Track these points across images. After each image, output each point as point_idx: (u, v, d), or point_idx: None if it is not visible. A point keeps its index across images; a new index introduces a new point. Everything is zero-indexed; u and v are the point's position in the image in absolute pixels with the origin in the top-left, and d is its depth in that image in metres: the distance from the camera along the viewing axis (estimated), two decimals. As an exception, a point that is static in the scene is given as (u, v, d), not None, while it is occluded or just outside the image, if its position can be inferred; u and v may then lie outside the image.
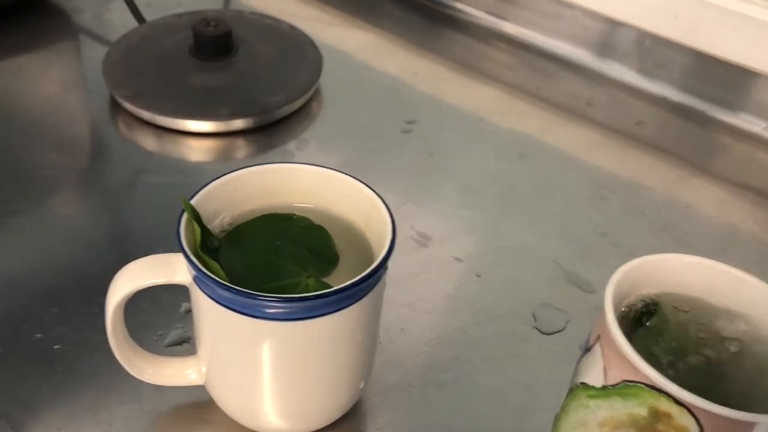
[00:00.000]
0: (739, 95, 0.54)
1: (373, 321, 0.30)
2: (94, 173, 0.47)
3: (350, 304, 0.27)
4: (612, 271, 0.27)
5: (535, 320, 0.39)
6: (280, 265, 0.30)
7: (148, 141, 0.50)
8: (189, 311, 0.37)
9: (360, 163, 0.49)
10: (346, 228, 0.31)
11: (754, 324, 0.27)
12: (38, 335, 0.36)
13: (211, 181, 0.30)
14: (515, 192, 0.47)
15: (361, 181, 0.31)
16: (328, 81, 0.55)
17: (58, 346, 0.35)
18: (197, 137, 0.50)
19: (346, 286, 0.26)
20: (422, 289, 0.40)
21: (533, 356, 0.37)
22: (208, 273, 0.26)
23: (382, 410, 0.34)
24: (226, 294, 0.26)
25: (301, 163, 0.31)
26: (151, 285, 0.28)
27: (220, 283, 0.26)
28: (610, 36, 0.57)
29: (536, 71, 0.59)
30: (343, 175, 0.31)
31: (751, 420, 0.23)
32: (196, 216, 0.28)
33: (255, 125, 0.50)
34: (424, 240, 0.43)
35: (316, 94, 0.54)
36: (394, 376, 0.35)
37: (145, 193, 0.46)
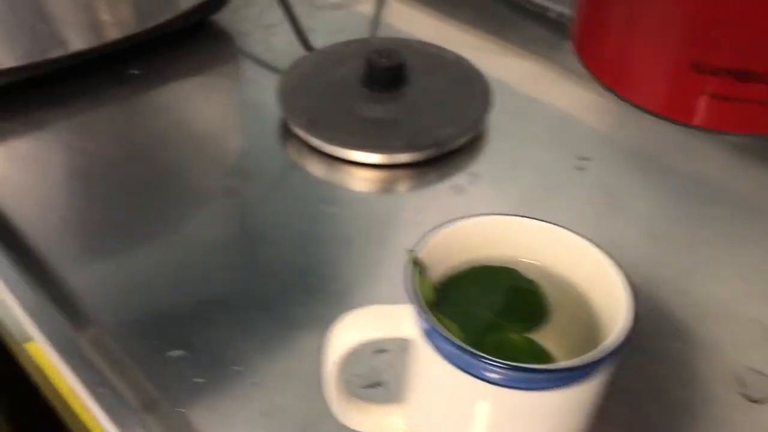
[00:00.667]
0: None
1: (598, 398, 0.28)
2: (265, 198, 0.48)
3: (581, 381, 0.26)
4: None
5: (742, 386, 0.36)
6: (488, 319, 0.29)
7: (317, 168, 0.50)
8: (378, 352, 0.36)
9: (532, 201, 0.47)
10: (563, 286, 0.30)
11: None
12: (236, 368, 0.36)
13: (432, 231, 0.29)
14: (706, 240, 0.44)
15: (589, 240, 0.29)
16: (494, 113, 0.53)
17: (256, 381, 0.35)
18: (364, 167, 0.50)
19: (582, 364, 0.25)
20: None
21: (741, 426, 0.34)
22: (444, 331, 0.25)
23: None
24: (457, 352, 0.25)
25: (522, 216, 0.30)
26: (377, 339, 0.27)
27: (453, 341, 0.25)
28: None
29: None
30: (568, 231, 0.29)
31: None
32: (423, 269, 0.27)
33: (423, 158, 0.49)
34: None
35: (483, 126, 0.53)
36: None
37: (317, 222, 0.46)
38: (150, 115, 0.54)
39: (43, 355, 0.38)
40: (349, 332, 0.27)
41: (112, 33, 0.56)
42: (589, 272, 0.29)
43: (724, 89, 0.34)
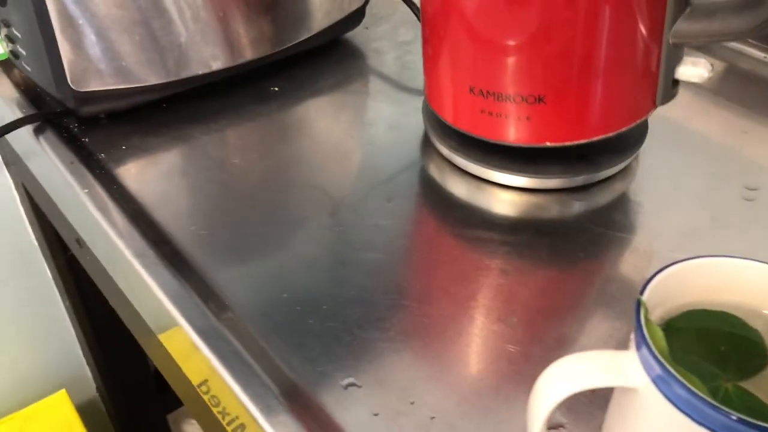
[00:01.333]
0: None
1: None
2: (400, 212, 0.47)
3: None
4: None
5: None
6: (703, 366, 0.27)
7: (458, 188, 0.48)
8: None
9: (697, 236, 0.44)
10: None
11: None
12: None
13: (656, 274, 0.27)
14: None
15: None
16: (648, 139, 0.51)
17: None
18: (509, 190, 0.48)
19: None
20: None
21: None
22: (681, 379, 0.23)
23: None
24: (693, 401, 0.23)
25: (746, 259, 0.28)
26: (595, 387, 0.25)
27: (690, 389, 0.23)
28: None
29: None
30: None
31: None
32: (647, 314, 0.25)
33: (573, 185, 0.47)
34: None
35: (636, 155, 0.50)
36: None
37: (459, 244, 0.44)
38: (288, 131, 0.54)
39: (187, 339, 0.39)
40: (566, 381, 0.26)
41: (252, 52, 0.56)
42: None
43: (492, 107, 0.44)
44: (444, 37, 0.45)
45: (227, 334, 0.38)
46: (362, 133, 0.54)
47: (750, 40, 0.61)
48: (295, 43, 0.58)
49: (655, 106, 0.46)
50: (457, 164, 0.49)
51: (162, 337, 0.45)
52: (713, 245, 0.43)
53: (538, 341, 0.38)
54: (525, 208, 0.47)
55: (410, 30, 0.62)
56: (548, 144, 0.45)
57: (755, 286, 0.27)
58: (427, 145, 0.51)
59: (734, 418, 0.22)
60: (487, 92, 0.44)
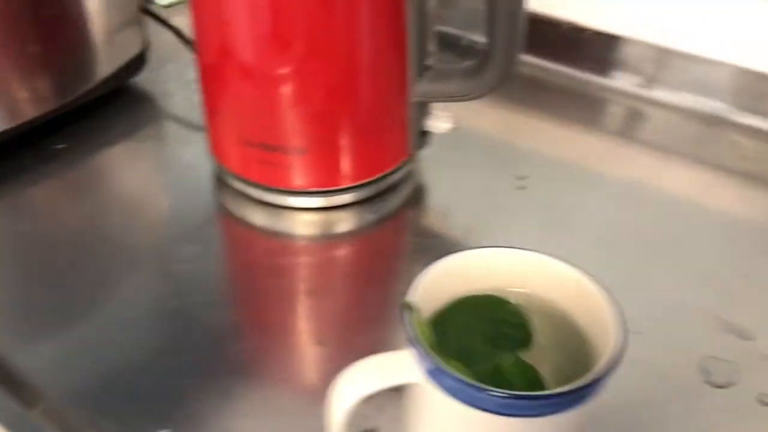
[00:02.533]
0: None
1: (590, 422, 0.29)
2: (200, 252, 0.47)
3: (586, 401, 0.27)
4: (763, 315, 0.27)
5: (705, 374, 0.38)
6: (479, 347, 0.30)
7: (258, 218, 0.50)
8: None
9: (478, 225, 0.49)
10: (548, 311, 0.31)
11: None
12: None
13: (424, 273, 0.30)
14: (645, 240, 0.47)
15: (576, 267, 0.31)
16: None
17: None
18: (304, 212, 0.50)
19: (586, 383, 0.26)
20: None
21: (711, 412, 0.37)
22: (447, 368, 0.26)
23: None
24: (462, 388, 0.26)
25: (503, 247, 0.31)
26: (380, 389, 0.28)
27: (458, 377, 0.26)
28: (706, 75, 0.58)
29: (636, 117, 0.59)
30: (550, 258, 0.31)
31: None
32: (418, 312, 0.28)
33: (365, 196, 0.50)
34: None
35: (416, 158, 0.54)
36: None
37: (257, 271, 0.46)
38: (81, 188, 0.53)
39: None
40: (353, 387, 0.28)
41: (32, 110, 0.54)
42: (574, 296, 0.30)
43: (259, 156, 0.47)
44: (213, 92, 0.48)
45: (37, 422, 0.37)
46: (157, 179, 0.54)
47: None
48: (76, 96, 0.57)
49: (408, 154, 0.50)
50: (252, 195, 0.50)
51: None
52: (494, 233, 0.48)
53: (356, 354, 0.40)
54: (324, 226, 0.49)
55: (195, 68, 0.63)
56: (313, 189, 0.48)
57: (504, 269, 0.31)
58: (220, 181, 0.52)
59: (500, 395, 0.25)
60: (254, 143, 0.47)
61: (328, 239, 0.49)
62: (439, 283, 0.30)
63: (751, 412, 0.37)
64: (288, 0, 0.42)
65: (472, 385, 0.26)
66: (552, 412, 0.26)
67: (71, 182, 0.53)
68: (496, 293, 0.32)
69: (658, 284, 0.44)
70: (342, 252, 0.48)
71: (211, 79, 0.48)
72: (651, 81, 0.61)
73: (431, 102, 0.49)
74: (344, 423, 0.28)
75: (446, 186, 0.53)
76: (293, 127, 0.45)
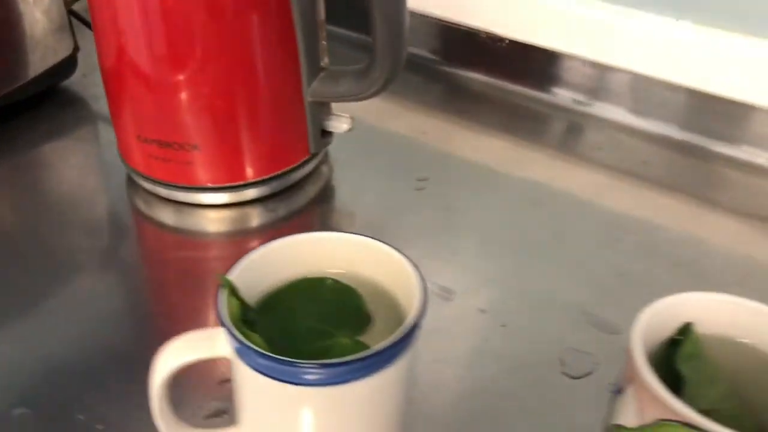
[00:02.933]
0: (738, 128, 0.55)
1: (408, 382, 0.31)
2: (119, 252, 0.49)
3: (386, 366, 0.28)
4: (631, 311, 0.28)
5: (563, 365, 0.39)
6: (314, 327, 0.31)
7: (165, 215, 0.51)
8: (224, 382, 0.37)
9: (375, 222, 0.50)
10: (377, 290, 0.32)
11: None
12: (81, 416, 0.36)
13: (246, 256, 0.31)
14: (532, 239, 0.48)
15: (389, 245, 0.32)
16: (336, 146, 0.57)
17: (101, 427, 0.36)
18: (215, 209, 0.51)
19: (381, 348, 0.27)
20: (450, 344, 0.41)
21: (565, 402, 0.38)
22: (249, 344, 0.27)
23: (422, 467, 0.34)
24: (266, 363, 0.27)
25: (331, 232, 0.33)
26: (194, 361, 0.29)
27: (260, 352, 0.27)
28: (603, 80, 0.60)
29: (538, 120, 0.61)
30: (372, 240, 0.32)
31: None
32: (234, 291, 0.29)
33: (270, 192, 0.52)
34: (447, 294, 0.44)
35: (325, 158, 0.56)
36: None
37: (171, 269, 0.47)
38: (4, 185, 0.54)
39: None
40: (168, 359, 0.29)
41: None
42: (394, 275, 0.32)
43: (156, 152, 0.49)
44: (113, 93, 0.50)
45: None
46: (78, 178, 0.56)
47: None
48: (4, 93, 0.58)
49: (309, 153, 0.52)
50: (160, 194, 0.52)
51: None
52: (386, 232, 0.49)
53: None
54: (233, 222, 0.51)
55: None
56: (215, 185, 0.50)
57: (350, 255, 0.33)
58: (131, 181, 0.54)
59: (298, 364, 0.26)
60: (149, 139, 0.48)
61: (238, 235, 0.51)
62: (265, 267, 0.32)
63: (605, 401, 0.37)
64: (176, 7, 0.43)
65: (272, 359, 0.27)
66: (351, 379, 0.27)
67: (-9, 178, 0.55)
68: (325, 275, 0.33)
69: (533, 279, 0.45)
70: (252, 247, 0.49)
71: (111, 81, 0.49)
72: (551, 84, 0.62)
73: (325, 101, 0.50)
74: (161, 391, 0.30)
75: (352, 186, 0.54)
76: (183, 124, 0.47)
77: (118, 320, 0.43)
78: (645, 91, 0.58)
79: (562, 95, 0.63)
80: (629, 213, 0.51)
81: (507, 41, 0.63)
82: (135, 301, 0.45)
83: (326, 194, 0.54)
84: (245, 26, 0.45)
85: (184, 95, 0.46)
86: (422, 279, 0.30)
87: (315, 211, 0.52)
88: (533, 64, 0.63)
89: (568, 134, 0.59)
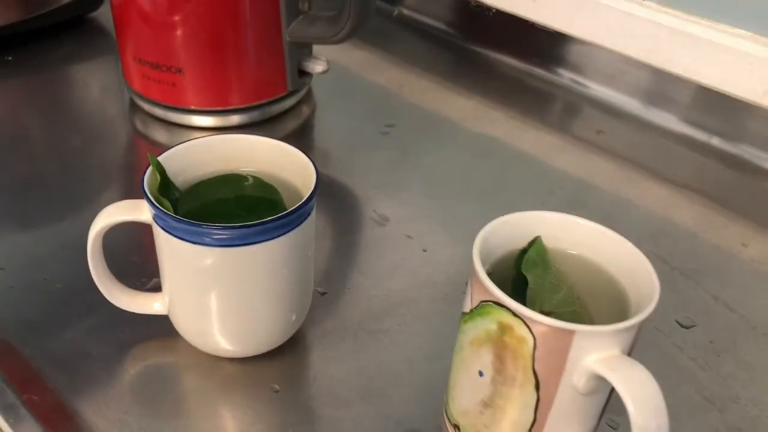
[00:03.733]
0: (686, 107, 0.59)
1: (303, 255, 0.36)
2: (117, 162, 0.56)
3: (282, 234, 0.33)
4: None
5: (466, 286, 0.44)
6: (233, 213, 0.37)
7: (161, 135, 0.58)
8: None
9: (340, 157, 0.56)
10: (289, 188, 0.38)
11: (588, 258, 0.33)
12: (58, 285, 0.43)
13: (177, 144, 0.37)
14: (472, 186, 0.53)
15: (298, 150, 0.37)
16: (321, 89, 0.62)
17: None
18: (202, 131, 0.57)
19: (278, 216, 0.33)
20: (374, 260, 0.46)
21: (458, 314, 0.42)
22: (162, 209, 0.33)
23: (319, 347, 0.40)
24: (177, 225, 0.33)
25: (252, 135, 0.38)
26: (121, 221, 0.35)
27: (173, 216, 0.33)
28: (582, 54, 0.63)
29: (508, 83, 0.65)
30: (286, 145, 0.38)
31: (569, 328, 0.28)
32: (160, 168, 0.35)
33: (251, 121, 0.58)
34: (382, 221, 0.49)
35: (309, 98, 0.61)
36: (333, 323, 0.41)
37: None
38: (18, 96, 0.62)
39: None
40: (102, 218, 0.35)
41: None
42: (301, 174, 0.37)
43: (149, 73, 0.55)
44: (119, 22, 0.56)
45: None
46: (88, 97, 0.63)
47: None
48: (36, 15, 0.66)
49: (287, 90, 0.57)
50: (155, 114, 0.58)
51: None
52: (345, 165, 0.54)
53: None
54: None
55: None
56: (194, 107, 0.56)
57: (267, 156, 0.38)
58: (132, 103, 0.60)
59: (204, 226, 0.32)
60: (143, 60, 0.55)
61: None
62: (194, 157, 0.38)
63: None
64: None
65: (182, 221, 0.33)
66: (252, 243, 0.33)
67: (13, 91, 0.62)
68: (245, 172, 0.39)
69: (462, 217, 0.50)
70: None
71: (117, 10, 0.56)
72: (527, 53, 0.66)
73: (304, 43, 0.56)
74: (95, 244, 0.36)
75: (327, 125, 0.60)
76: (172, 49, 0.53)
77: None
78: (608, 63, 0.62)
79: (535, 64, 0.66)
80: (569, 172, 0.55)
81: (494, 11, 0.67)
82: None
83: (304, 130, 0.59)
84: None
85: (174, 24, 0.52)
86: (317, 170, 0.35)
87: (292, 143, 0.57)
88: (514, 33, 0.67)
89: (535, 99, 0.63)
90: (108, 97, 0.63)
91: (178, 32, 0.52)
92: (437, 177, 0.54)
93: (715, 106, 0.57)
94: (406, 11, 0.75)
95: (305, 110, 0.61)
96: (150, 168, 0.35)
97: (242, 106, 0.56)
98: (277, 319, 0.37)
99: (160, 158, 0.36)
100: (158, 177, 0.35)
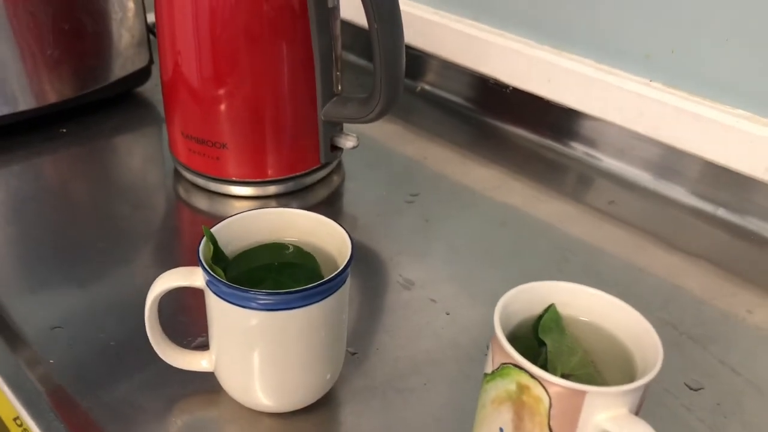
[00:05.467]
0: (694, 180, 0.62)
1: (338, 318, 0.40)
2: (161, 226, 0.60)
3: (320, 299, 0.37)
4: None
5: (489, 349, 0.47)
6: (277, 280, 0.41)
7: (201, 203, 0.62)
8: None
9: (368, 224, 0.60)
10: (324, 255, 0.42)
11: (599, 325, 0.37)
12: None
13: (228, 217, 0.41)
14: (492, 252, 0.57)
15: (336, 222, 0.41)
16: (350, 159, 0.67)
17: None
18: (240, 200, 0.62)
19: (317, 284, 0.36)
20: (401, 321, 0.49)
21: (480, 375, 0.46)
22: (215, 275, 0.37)
23: (350, 404, 0.43)
24: (228, 290, 0.37)
25: (294, 209, 0.43)
26: (178, 287, 0.39)
27: (224, 282, 0.37)
28: (594, 129, 0.68)
29: (525, 155, 0.69)
30: (324, 217, 0.42)
31: (581, 389, 0.31)
32: (212, 238, 0.40)
33: (286, 191, 0.62)
34: (408, 285, 0.53)
35: (339, 168, 0.66)
36: (364, 382, 0.45)
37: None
38: (75, 167, 0.67)
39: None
40: (159, 284, 0.39)
41: (54, 96, 0.69)
42: (337, 244, 0.41)
43: (194, 147, 0.61)
44: (168, 99, 0.62)
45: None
46: (136, 166, 0.68)
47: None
48: (89, 91, 0.72)
49: (320, 163, 0.63)
50: (199, 184, 0.63)
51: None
52: (372, 231, 0.58)
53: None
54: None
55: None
56: (234, 179, 0.61)
57: (308, 228, 0.42)
58: (176, 172, 0.65)
59: (250, 291, 0.36)
60: (190, 136, 0.60)
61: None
62: (242, 229, 0.42)
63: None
64: (222, 35, 0.55)
65: (230, 286, 0.37)
66: (294, 307, 0.37)
67: (67, 161, 0.68)
68: (287, 242, 0.43)
69: (484, 282, 0.53)
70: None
71: (168, 90, 0.61)
72: (541, 127, 0.71)
73: (336, 121, 0.61)
74: (152, 307, 0.40)
75: (356, 194, 0.64)
76: (218, 127, 0.58)
77: (156, 272, 0.54)
78: (619, 138, 0.66)
79: (550, 137, 0.71)
80: (583, 239, 0.58)
81: (511, 88, 0.72)
82: (167, 261, 0.56)
83: (334, 198, 0.64)
84: (274, 55, 0.56)
85: (220, 103, 0.57)
86: (352, 242, 0.39)
87: (323, 211, 0.61)
88: (530, 108, 0.72)
89: (550, 171, 0.67)
90: (152, 166, 0.68)
91: (224, 112, 0.57)
92: (459, 243, 0.57)
93: (721, 180, 0.61)
94: (428, 87, 0.80)
95: (335, 180, 0.65)
96: (204, 239, 0.39)
97: (279, 177, 0.61)
98: (313, 377, 0.40)
99: (212, 230, 0.40)
100: (211, 247, 0.39)
